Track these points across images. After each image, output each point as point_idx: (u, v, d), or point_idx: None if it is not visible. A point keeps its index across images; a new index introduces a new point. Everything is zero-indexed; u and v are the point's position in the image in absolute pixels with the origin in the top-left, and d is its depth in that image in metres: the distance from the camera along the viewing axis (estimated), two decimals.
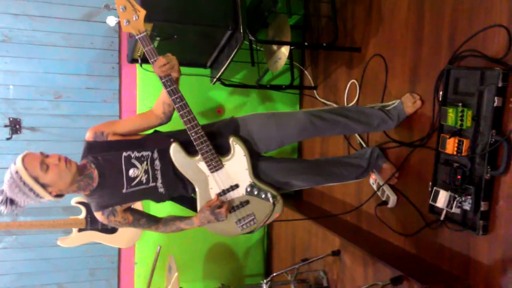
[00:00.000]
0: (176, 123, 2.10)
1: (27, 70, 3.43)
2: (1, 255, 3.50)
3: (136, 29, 1.84)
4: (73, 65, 3.52)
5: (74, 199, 3.41)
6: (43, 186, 1.84)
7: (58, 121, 3.50)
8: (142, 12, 1.83)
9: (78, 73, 3.54)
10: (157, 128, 2.13)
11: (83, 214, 3.44)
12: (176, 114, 2.00)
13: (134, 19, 1.82)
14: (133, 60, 3.23)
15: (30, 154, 1.85)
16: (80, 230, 3.46)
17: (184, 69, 3.26)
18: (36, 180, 1.82)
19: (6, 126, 3.38)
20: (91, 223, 3.46)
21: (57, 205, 3.53)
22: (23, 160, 1.82)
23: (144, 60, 3.09)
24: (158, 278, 3.54)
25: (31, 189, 1.82)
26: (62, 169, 1.85)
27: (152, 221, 2.15)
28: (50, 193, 1.87)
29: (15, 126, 3.40)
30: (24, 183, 1.81)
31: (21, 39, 3.40)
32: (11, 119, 3.40)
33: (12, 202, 1.83)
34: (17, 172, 1.80)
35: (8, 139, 3.38)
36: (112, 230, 3.53)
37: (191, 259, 3.84)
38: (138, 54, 3.05)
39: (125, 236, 3.57)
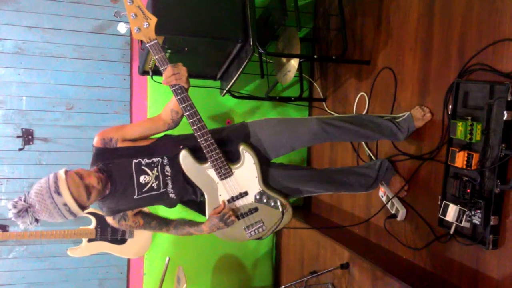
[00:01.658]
0: (187, 126, 2.10)
1: (39, 81, 3.48)
2: (12, 264, 3.53)
3: (146, 37, 1.81)
4: (85, 77, 3.58)
5: None
6: (83, 208, 1.87)
7: (70, 132, 3.55)
8: (153, 20, 1.81)
9: (89, 84, 3.59)
10: (167, 132, 2.13)
11: (93, 225, 3.46)
12: (185, 119, 2.00)
13: (145, 26, 1.80)
14: (144, 72, 3.26)
15: (72, 182, 1.81)
16: (89, 240, 3.48)
17: (194, 81, 3.28)
18: (81, 207, 1.84)
19: (18, 136, 3.43)
20: (101, 234, 3.48)
21: None
22: (69, 190, 1.79)
23: (155, 72, 3.12)
24: None
25: (74, 215, 1.85)
26: (100, 190, 1.89)
27: (163, 223, 2.16)
28: (83, 210, 1.90)
29: (27, 136, 3.45)
30: (71, 212, 1.83)
31: (34, 51, 3.46)
32: (23, 129, 3.45)
33: (37, 220, 1.82)
34: (65, 205, 1.79)
35: (20, 149, 3.42)
36: (122, 241, 3.55)
37: (200, 270, 3.84)
38: (149, 66, 3.08)
39: (134, 246, 3.58)
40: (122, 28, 2.00)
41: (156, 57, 1.84)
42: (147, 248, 3.64)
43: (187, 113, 1.90)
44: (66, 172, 1.85)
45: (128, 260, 3.80)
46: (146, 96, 3.64)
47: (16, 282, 3.55)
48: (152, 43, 1.82)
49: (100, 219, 3.48)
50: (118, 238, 3.53)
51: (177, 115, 2.04)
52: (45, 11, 3.46)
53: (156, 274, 3.67)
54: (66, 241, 3.56)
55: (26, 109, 3.46)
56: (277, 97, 3.55)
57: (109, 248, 3.53)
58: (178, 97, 1.88)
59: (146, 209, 2.23)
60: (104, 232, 3.48)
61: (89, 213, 3.45)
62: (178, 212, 2.28)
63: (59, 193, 1.78)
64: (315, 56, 3.59)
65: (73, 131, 3.55)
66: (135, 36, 1.83)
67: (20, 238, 3.39)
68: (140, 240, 3.59)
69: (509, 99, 1.82)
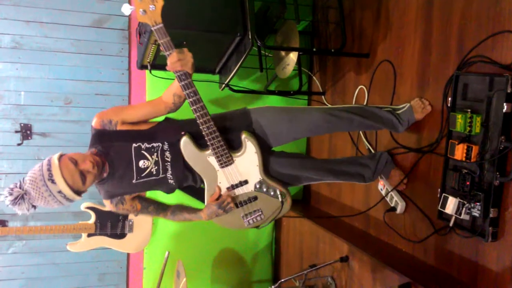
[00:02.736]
0: (189, 110, 2.08)
1: (37, 76, 3.47)
2: (11, 260, 3.53)
3: (152, 20, 1.74)
4: (83, 71, 3.56)
5: (84, 204, 3.44)
6: (79, 193, 1.88)
7: (68, 127, 3.54)
8: (160, 3, 1.73)
9: (88, 79, 3.58)
10: (168, 115, 2.10)
11: (92, 219, 3.46)
12: (186, 104, 1.96)
13: (150, 9, 1.72)
14: (142, 66, 3.25)
15: (66, 169, 1.81)
16: (89, 235, 3.48)
17: (193, 75, 3.29)
18: (76, 192, 1.85)
19: (17, 131, 3.42)
20: (100, 228, 3.48)
21: (67, 210, 3.56)
22: (63, 177, 1.79)
23: (154, 66, 3.11)
24: (166, 283, 3.55)
25: (70, 200, 1.86)
26: (95, 174, 1.88)
27: (161, 208, 2.15)
28: (80, 195, 1.91)
29: (26, 131, 3.44)
30: (67, 199, 1.84)
31: (32, 45, 3.45)
32: (22, 124, 3.44)
33: (34, 207, 1.83)
34: (60, 192, 1.80)
35: (19, 144, 3.41)
36: (121, 235, 3.55)
37: (200, 265, 3.84)
38: (148, 60, 3.07)
39: (134, 241, 3.58)
40: (126, 9, 1.92)
41: (162, 41, 1.78)
42: (147, 243, 3.64)
43: (191, 99, 1.86)
44: (60, 158, 1.84)
45: (128, 254, 3.80)
46: (145, 91, 3.63)
47: (15, 277, 3.55)
48: (158, 26, 1.75)
49: (99, 214, 3.48)
50: (118, 232, 3.53)
51: (180, 99, 1.99)
52: (43, 5, 3.44)
53: (155, 268, 3.67)
54: (65, 236, 3.56)
55: (24, 104, 3.45)
56: (276, 91, 3.54)
57: (108, 243, 3.53)
58: (182, 83, 1.83)
59: (144, 194, 2.22)
60: (104, 227, 3.48)
61: (89, 208, 3.45)
62: (176, 198, 2.26)
63: (53, 181, 1.78)
64: (314, 49, 3.58)
65: (71, 125, 3.54)
66: (140, 18, 1.75)
67: (19, 233, 3.39)
68: (140, 235, 3.59)
69: (508, 91, 1.82)
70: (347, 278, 2.73)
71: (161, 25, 1.76)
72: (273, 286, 2.92)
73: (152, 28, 1.76)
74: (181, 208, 2.18)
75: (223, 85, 3.31)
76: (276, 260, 4.04)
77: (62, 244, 3.52)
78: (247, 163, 2.06)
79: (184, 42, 2.73)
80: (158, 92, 3.52)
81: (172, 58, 1.79)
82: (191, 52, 2.91)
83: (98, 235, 3.49)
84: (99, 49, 3.58)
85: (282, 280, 2.99)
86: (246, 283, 3.99)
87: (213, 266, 3.89)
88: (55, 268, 3.64)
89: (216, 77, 3.46)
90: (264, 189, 2.12)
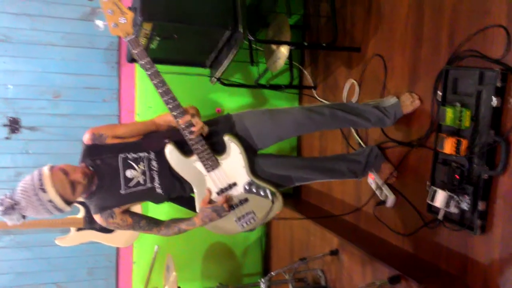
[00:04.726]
0: None
1: (26, 69, 3.43)
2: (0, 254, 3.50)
3: (124, 32, 1.81)
4: (72, 65, 3.53)
5: None
6: (69, 203, 1.88)
7: (57, 121, 3.50)
8: (130, 15, 1.80)
9: (77, 72, 3.54)
10: None
11: (81, 214, 3.44)
12: None
13: (122, 21, 1.79)
14: (132, 60, 3.23)
15: (56, 178, 1.82)
16: (78, 229, 3.45)
17: (183, 69, 3.28)
18: (67, 202, 1.85)
19: (5, 125, 3.38)
20: (89, 222, 3.45)
21: None
22: (54, 187, 1.80)
23: None
24: (156, 277, 3.54)
25: (61, 210, 1.86)
26: (85, 185, 1.89)
27: (153, 223, 2.14)
28: (70, 205, 1.91)
29: (14, 125, 3.40)
30: (57, 208, 1.83)
31: (20, 38, 3.40)
32: (10, 118, 3.40)
33: (24, 217, 1.84)
34: (51, 201, 1.80)
35: (7, 138, 3.38)
36: (110, 230, 3.53)
37: (189, 259, 3.84)
38: None
39: (123, 235, 3.57)
40: (99, 24, 1.96)
41: (135, 51, 1.83)
42: (136, 237, 3.63)
43: (170, 105, 1.90)
44: (50, 169, 1.85)
45: (117, 248, 3.78)
46: (135, 84, 3.61)
47: (3, 271, 3.52)
48: (130, 38, 1.82)
49: (88, 208, 3.45)
50: None
51: (173, 128, 2.08)
52: None
53: (145, 262, 3.66)
54: (54, 230, 3.54)
55: (12, 97, 3.41)
56: (267, 85, 3.54)
57: (98, 237, 3.51)
58: (160, 90, 1.88)
59: (137, 209, 2.22)
60: (93, 221, 3.41)
61: (77, 202, 3.42)
62: (167, 212, 2.25)
63: (43, 190, 1.79)
64: (305, 43, 3.57)
65: (60, 119, 3.51)
66: (113, 32, 1.81)
67: (7, 227, 3.36)
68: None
69: (498, 85, 1.83)
70: (337, 271, 2.74)
71: (134, 36, 1.82)
72: (263, 279, 2.93)
73: (125, 40, 1.83)
74: (175, 221, 2.17)
75: (214, 79, 3.30)
76: (267, 253, 4.05)
77: (50, 238, 3.48)
78: (233, 165, 2.06)
79: (175, 36, 2.72)
80: (148, 85, 3.49)
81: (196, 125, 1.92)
82: (182, 45, 2.92)
83: (87, 229, 3.47)
84: (88, 42, 3.54)
85: (272, 273, 3.00)
86: (236, 276, 4.00)
87: (203, 260, 3.89)
88: (44, 263, 3.61)
89: (207, 71, 3.45)
90: (254, 190, 2.12)
